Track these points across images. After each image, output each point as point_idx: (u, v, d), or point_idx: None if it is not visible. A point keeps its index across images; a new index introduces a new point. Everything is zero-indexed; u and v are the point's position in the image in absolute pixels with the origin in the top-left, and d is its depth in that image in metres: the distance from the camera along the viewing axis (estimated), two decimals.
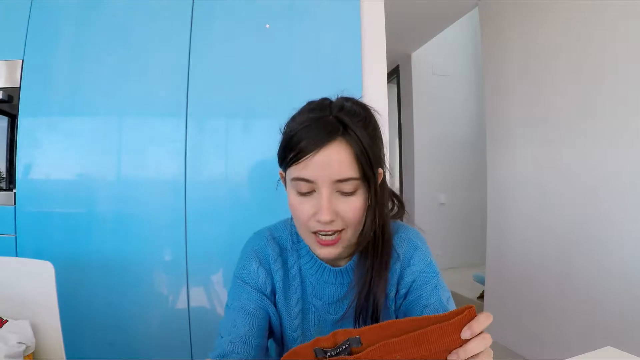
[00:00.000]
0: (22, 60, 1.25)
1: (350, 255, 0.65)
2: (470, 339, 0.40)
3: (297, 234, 0.67)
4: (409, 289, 0.64)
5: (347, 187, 0.54)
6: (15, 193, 1.22)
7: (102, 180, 1.24)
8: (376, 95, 1.29)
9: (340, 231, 0.56)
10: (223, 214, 1.25)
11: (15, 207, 1.22)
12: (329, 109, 0.56)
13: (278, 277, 0.66)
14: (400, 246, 0.65)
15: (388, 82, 3.39)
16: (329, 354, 0.42)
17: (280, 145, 0.59)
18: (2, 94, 1.23)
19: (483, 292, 2.35)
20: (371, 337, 0.42)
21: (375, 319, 0.61)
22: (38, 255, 1.13)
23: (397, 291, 0.65)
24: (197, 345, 1.25)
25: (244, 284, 0.65)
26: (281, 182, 0.65)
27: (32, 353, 0.75)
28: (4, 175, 1.31)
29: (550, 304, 1.79)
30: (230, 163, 1.26)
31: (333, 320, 0.67)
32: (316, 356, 0.42)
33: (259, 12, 1.29)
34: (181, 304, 1.25)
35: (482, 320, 0.40)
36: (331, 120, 0.54)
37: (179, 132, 1.25)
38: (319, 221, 0.55)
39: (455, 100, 3.47)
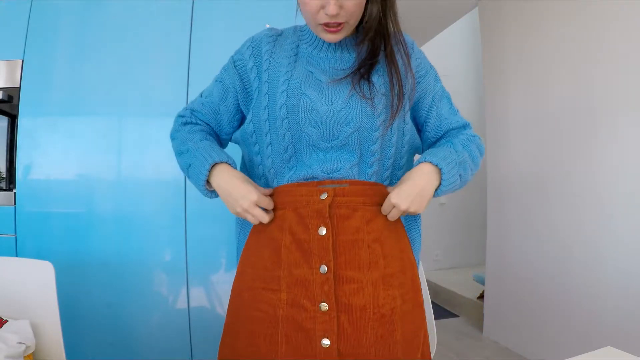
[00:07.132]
0: (22, 60, 1.25)
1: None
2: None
3: (301, 29, 0.74)
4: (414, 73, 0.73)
5: None
6: (15, 193, 1.22)
7: (102, 180, 1.24)
8: None
9: (343, 23, 0.64)
10: (223, 214, 1.25)
11: (15, 207, 1.22)
12: None
13: (267, 48, 0.72)
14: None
15: None
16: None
17: None
18: (2, 94, 1.23)
19: (483, 292, 2.34)
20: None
21: (368, 79, 0.66)
22: (38, 255, 1.13)
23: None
24: (197, 346, 1.25)
25: (231, 60, 0.76)
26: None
27: (32, 353, 0.75)
28: (4, 175, 1.31)
29: (550, 303, 1.79)
30: None
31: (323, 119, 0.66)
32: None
33: (259, 12, 1.29)
34: (181, 304, 1.25)
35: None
36: None
37: None
38: (326, 14, 0.62)
39: (455, 100, 3.43)
